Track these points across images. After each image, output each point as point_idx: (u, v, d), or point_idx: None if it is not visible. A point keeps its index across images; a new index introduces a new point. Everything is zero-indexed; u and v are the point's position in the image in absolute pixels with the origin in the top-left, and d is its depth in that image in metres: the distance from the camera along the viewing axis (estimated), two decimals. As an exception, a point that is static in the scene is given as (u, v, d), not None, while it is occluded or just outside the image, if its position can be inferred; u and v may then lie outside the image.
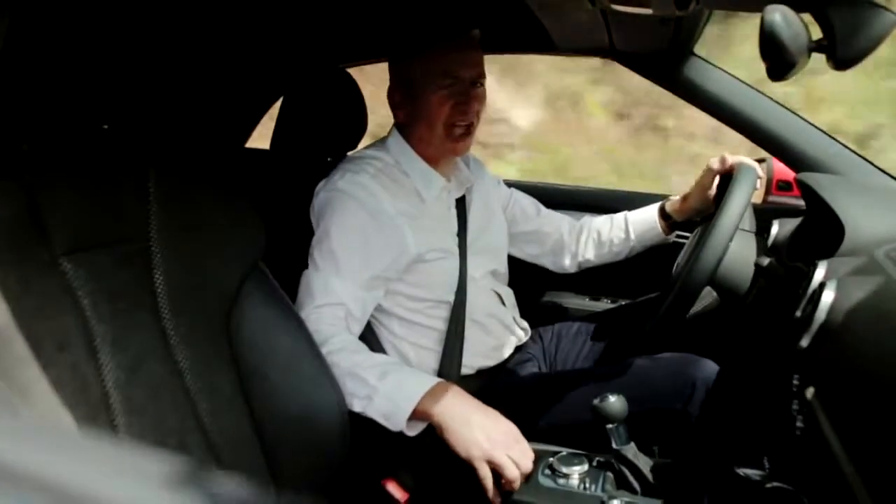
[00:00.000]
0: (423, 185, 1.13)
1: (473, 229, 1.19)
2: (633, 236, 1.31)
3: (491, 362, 1.21)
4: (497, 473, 0.85)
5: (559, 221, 1.39)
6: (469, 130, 1.11)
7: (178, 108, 1.71)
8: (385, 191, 1.07)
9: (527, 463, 0.86)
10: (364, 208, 1.05)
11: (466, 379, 1.14)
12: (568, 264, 1.37)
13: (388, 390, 0.90)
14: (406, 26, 1.13)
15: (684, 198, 1.27)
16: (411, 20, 1.15)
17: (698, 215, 1.25)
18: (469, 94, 1.08)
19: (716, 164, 1.19)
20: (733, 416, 1.01)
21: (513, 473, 0.84)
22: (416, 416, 0.88)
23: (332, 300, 1.00)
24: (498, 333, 1.23)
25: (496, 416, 0.89)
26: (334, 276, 1.01)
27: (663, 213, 1.29)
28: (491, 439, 0.85)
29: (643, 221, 1.31)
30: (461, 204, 1.20)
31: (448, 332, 1.13)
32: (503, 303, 1.26)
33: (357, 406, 0.90)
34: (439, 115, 1.08)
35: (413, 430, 0.90)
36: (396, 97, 1.13)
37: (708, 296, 1.02)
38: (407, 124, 1.14)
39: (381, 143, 1.18)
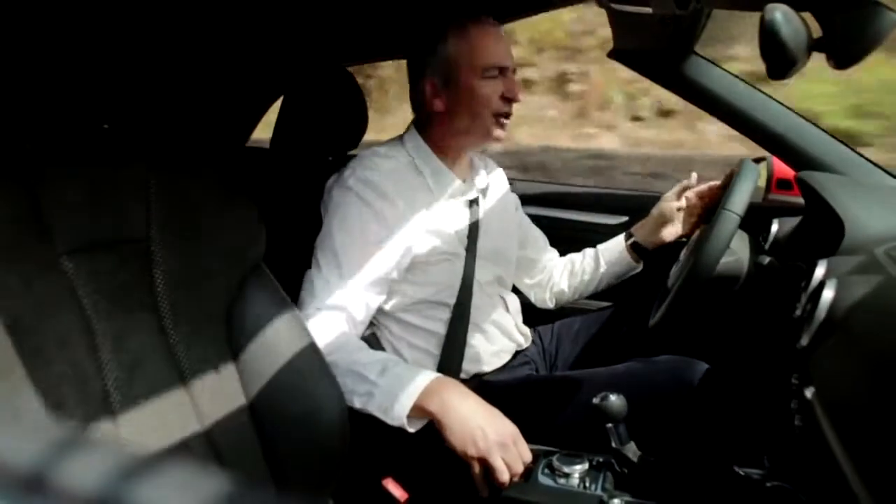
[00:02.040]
0: (437, 183, 1.13)
1: (484, 232, 1.18)
2: (602, 264, 1.36)
3: (488, 368, 1.20)
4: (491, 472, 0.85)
5: (555, 260, 1.43)
6: (509, 118, 1.13)
7: (178, 107, 1.71)
8: (395, 189, 1.06)
9: (518, 467, 0.85)
10: (370, 208, 1.05)
11: (464, 383, 1.14)
12: (547, 298, 1.43)
13: (388, 386, 0.89)
14: (418, 20, 1.13)
15: (649, 216, 1.33)
16: (423, 13, 1.14)
17: (661, 229, 1.31)
18: (514, 83, 1.11)
19: (677, 188, 1.29)
20: (733, 415, 1.01)
21: (503, 477, 0.84)
22: (416, 410, 0.88)
23: (333, 302, 1.00)
24: (499, 340, 1.22)
25: (496, 415, 0.88)
26: (336, 278, 1.01)
27: (633, 244, 1.34)
28: (487, 438, 0.84)
29: (611, 251, 1.36)
30: (474, 206, 1.19)
31: (448, 335, 1.12)
32: (507, 309, 1.26)
33: (357, 403, 0.90)
34: (488, 105, 1.09)
35: (414, 426, 0.89)
36: (432, 89, 1.10)
37: (730, 255, 1.03)
38: (447, 113, 1.11)
39: (397, 140, 1.18)
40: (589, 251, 1.40)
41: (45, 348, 0.63)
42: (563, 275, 1.41)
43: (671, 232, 1.30)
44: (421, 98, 1.13)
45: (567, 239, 1.51)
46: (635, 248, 1.34)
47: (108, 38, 0.86)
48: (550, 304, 1.43)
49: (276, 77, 1.66)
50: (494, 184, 1.28)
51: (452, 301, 1.12)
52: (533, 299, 1.43)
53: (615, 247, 1.36)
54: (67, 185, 0.70)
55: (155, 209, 0.78)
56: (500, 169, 1.35)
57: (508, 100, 1.10)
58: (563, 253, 1.45)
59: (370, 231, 1.04)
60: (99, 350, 0.69)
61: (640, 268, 1.36)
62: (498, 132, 1.12)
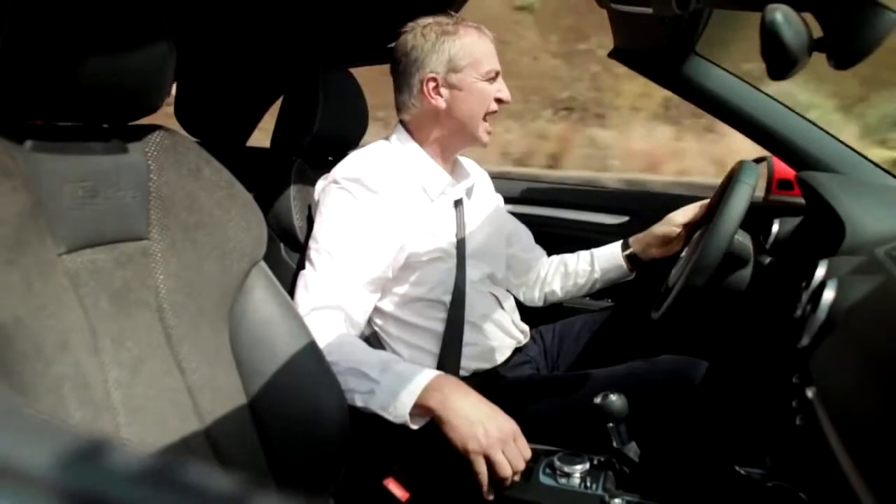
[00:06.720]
0: (429, 182, 1.13)
1: (472, 231, 1.19)
2: (597, 269, 1.36)
3: (488, 365, 1.20)
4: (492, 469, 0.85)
5: (542, 258, 1.43)
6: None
7: (178, 106, 1.71)
8: (384, 186, 1.07)
9: (520, 463, 0.85)
10: (361, 204, 1.05)
11: (464, 381, 1.14)
12: (537, 297, 1.42)
13: (389, 384, 0.90)
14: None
15: (650, 232, 1.32)
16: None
17: (660, 247, 1.31)
18: (504, 86, 1.15)
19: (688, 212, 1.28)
20: (734, 415, 1.01)
21: (505, 472, 0.84)
22: (417, 408, 0.88)
23: (330, 301, 1.00)
24: (496, 336, 1.22)
25: (496, 412, 0.88)
26: (331, 276, 1.01)
27: (628, 254, 1.34)
28: (488, 435, 0.84)
29: (607, 257, 1.37)
30: (460, 206, 1.20)
31: (445, 334, 1.12)
32: (501, 306, 1.26)
33: (359, 401, 0.90)
34: (486, 104, 1.14)
35: (416, 423, 0.90)
36: (433, 86, 1.13)
37: (737, 242, 1.04)
38: (446, 111, 1.14)
39: (385, 140, 1.18)
40: (583, 254, 1.40)
41: (46, 348, 0.63)
42: (556, 276, 1.40)
43: (670, 249, 1.31)
44: (408, 98, 1.15)
45: (566, 239, 1.51)
46: (631, 259, 1.34)
47: (108, 37, 0.86)
48: (539, 303, 1.43)
49: (276, 77, 1.66)
50: (479, 184, 1.29)
51: (448, 298, 1.13)
52: (522, 298, 1.42)
53: (611, 254, 1.36)
54: (67, 184, 0.70)
55: (155, 209, 0.78)
56: (484, 170, 1.37)
57: (500, 101, 1.15)
58: (562, 253, 1.45)
59: (362, 227, 1.04)
60: (99, 350, 0.69)
61: (633, 276, 1.37)
62: (486, 134, 1.16)
